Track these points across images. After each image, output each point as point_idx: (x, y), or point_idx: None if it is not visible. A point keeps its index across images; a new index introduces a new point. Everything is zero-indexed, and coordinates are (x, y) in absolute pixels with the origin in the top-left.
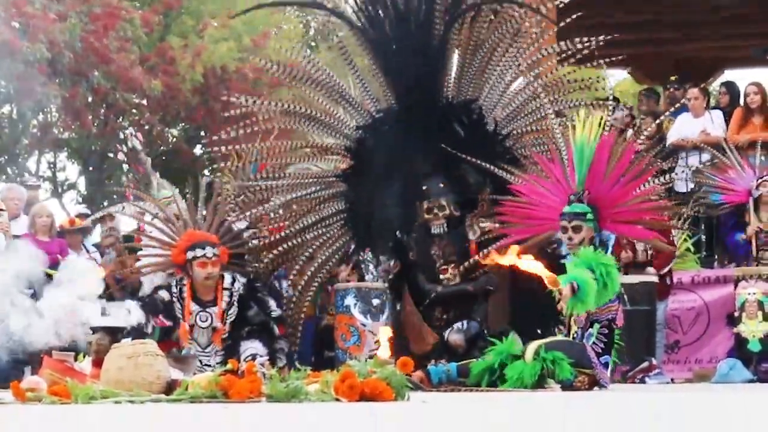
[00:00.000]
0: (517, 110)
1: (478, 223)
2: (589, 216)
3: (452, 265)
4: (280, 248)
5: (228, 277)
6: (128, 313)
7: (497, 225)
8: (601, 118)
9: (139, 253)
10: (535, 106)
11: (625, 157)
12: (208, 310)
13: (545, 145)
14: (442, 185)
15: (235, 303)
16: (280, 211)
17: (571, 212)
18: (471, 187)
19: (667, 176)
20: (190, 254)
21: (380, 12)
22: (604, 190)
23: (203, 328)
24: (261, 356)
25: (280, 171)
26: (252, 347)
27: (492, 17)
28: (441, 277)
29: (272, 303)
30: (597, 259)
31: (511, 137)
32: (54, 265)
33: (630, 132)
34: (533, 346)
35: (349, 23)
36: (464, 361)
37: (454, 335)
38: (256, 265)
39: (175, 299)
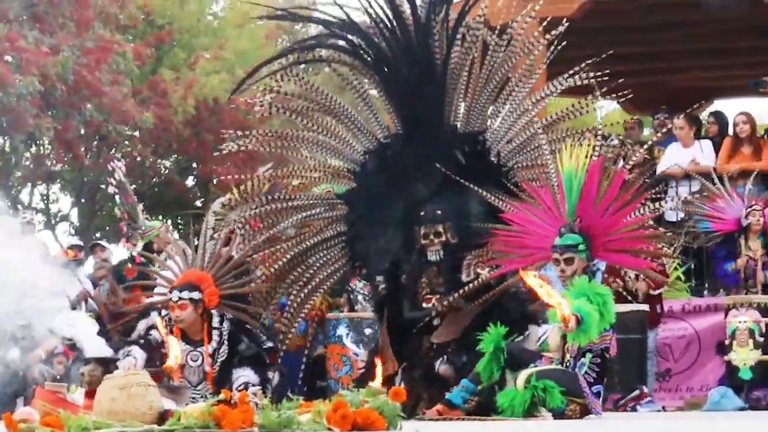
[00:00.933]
0: (521, 145)
1: (476, 267)
2: (581, 247)
3: (437, 296)
4: (277, 272)
5: (216, 317)
6: (135, 360)
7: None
8: (588, 147)
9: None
10: (538, 143)
11: (614, 183)
12: (198, 349)
13: (537, 174)
14: (439, 212)
15: (225, 342)
16: (290, 231)
17: (562, 245)
18: (472, 218)
19: (657, 205)
20: (171, 295)
21: (384, 40)
22: (595, 218)
23: (193, 367)
24: (253, 385)
25: (288, 193)
26: (244, 375)
27: (501, 49)
28: (423, 305)
29: (262, 336)
30: (593, 290)
31: (514, 171)
32: None
33: (621, 161)
34: (524, 374)
35: (352, 52)
36: (471, 373)
37: (443, 366)
38: (256, 295)
39: (165, 336)
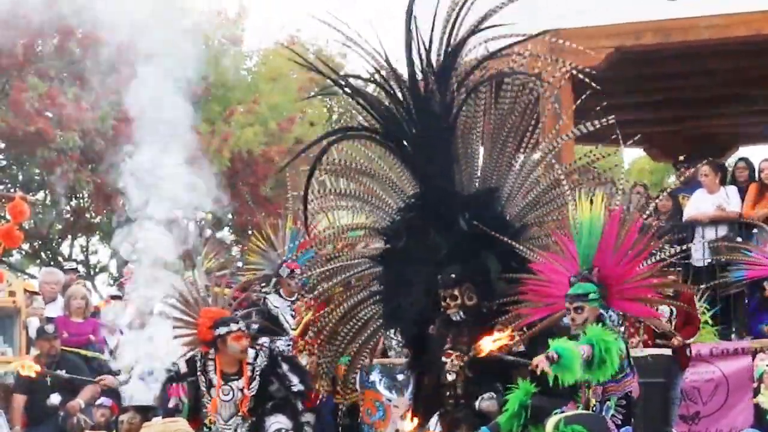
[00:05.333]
0: (538, 198)
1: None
2: (592, 296)
3: (458, 353)
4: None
5: (251, 352)
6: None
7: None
8: (602, 196)
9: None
10: (556, 195)
11: (631, 231)
12: (230, 383)
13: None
14: (453, 275)
15: (257, 377)
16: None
17: (572, 294)
18: (491, 275)
19: (672, 251)
20: (220, 330)
21: (396, 106)
22: (613, 267)
23: (226, 401)
24: (287, 430)
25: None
26: (277, 422)
27: (514, 99)
28: (443, 360)
29: (294, 378)
30: (599, 336)
31: (531, 225)
32: (87, 345)
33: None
34: (553, 420)
35: (372, 111)
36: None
37: (486, 402)
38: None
39: (199, 373)
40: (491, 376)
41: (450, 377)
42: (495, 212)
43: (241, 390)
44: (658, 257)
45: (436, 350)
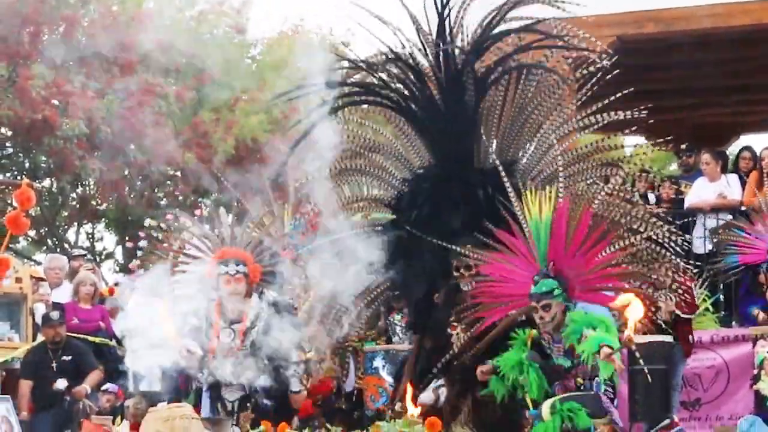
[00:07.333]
0: (553, 175)
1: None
2: (556, 291)
3: (462, 326)
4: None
5: (255, 297)
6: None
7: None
8: (551, 191)
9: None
10: (571, 173)
11: (582, 223)
12: (233, 326)
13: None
14: (470, 246)
15: (258, 324)
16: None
17: (537, 293)
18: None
19: (633, 240)
20: (218, 269)
21: (415, 79)
22: (567, 259)
23: (226, 342)
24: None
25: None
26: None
27: (535, 82)
28: (449, 332)
29: (293, 381)
30: (594, 319)
31: None
32: (96, 331)
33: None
34: (548, 403)
35: (386, 95)
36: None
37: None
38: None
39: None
40: (498, 350)
41: (455, 349)
42: (514, 185)
43: (243, 333)
44: (621, 245)
45: (441, 319)
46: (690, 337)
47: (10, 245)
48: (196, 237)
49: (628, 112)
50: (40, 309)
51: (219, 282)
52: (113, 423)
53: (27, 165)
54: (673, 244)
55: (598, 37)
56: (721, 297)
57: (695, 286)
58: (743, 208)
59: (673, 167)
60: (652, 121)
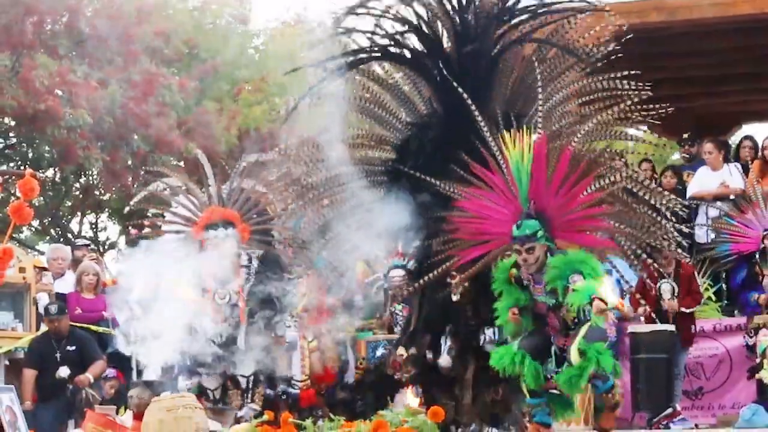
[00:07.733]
0: (560, 130)
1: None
2: (540, 233)
3: (460, 275)
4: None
5: (244, 255)
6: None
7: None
8: (530, 134)
9: (163, 228)
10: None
11: (562, 160)
12: (227, 287)
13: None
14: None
15: (252, 280)
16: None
17: (521, 235)
18: None
19: (612, 179)
20: (206, 234)
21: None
22: (548, 198)
23: (221, 305)
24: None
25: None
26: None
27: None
28: (449, 281)
29: (278, 326)
30: (577, 262)
31: None
32: (99, 321)
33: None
34: (575, 346)
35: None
36: None
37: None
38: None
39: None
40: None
41: (455, 297)
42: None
43: (237, 293)
44: (601, 184)
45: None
46: (692, 326)
47: (14, 235)
48: (184, 195)
49: (632, 83)
50: (44, 299)
51: (208, 247)
52: (117, 413)
53: (30, 155)
54: (657, 197)
55: (605, 26)
56: (724, 286)
57: (698, 275)
58: (732, 197)
59: (676, 156)
60: (653, 110)
